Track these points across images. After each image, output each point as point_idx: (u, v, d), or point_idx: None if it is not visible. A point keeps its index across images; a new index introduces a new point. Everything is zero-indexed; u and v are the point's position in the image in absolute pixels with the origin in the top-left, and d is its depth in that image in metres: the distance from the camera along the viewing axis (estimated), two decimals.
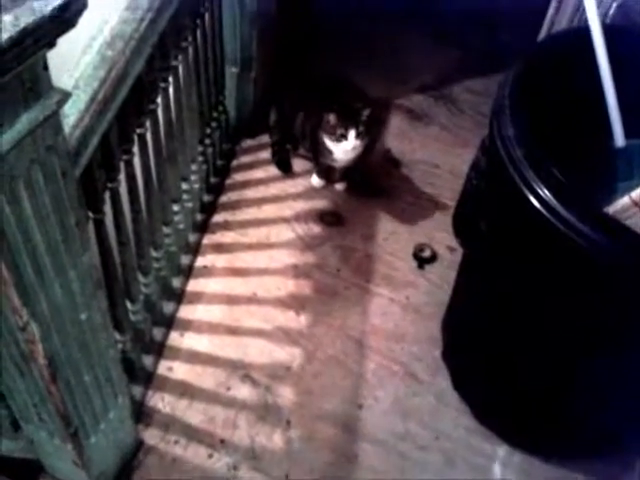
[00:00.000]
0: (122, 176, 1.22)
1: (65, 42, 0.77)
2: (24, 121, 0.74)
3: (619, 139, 1.33)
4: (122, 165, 1.19)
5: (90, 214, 1.08)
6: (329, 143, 1.76)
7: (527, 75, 1.18)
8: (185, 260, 1.71)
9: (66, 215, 0.87)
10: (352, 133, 1.71)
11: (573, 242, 1.00)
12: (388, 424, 1.48)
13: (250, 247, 1.80)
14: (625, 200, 1.12)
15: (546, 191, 1.03)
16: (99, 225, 1.13)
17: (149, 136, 1.31)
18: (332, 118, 1.71)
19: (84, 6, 0.74)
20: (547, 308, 1.19)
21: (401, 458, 1.43)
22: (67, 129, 0.92)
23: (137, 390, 1.44)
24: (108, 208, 1.18)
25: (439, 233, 1.85)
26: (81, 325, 1.00)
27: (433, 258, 1.81)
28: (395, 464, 1.42)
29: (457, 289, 1.55)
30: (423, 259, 1.80)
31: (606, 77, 1.27)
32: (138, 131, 1.24)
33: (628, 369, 1.22)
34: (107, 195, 1.16)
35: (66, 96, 0.81)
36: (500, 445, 1.47)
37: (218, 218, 1.84)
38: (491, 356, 1.41)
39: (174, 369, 1.52)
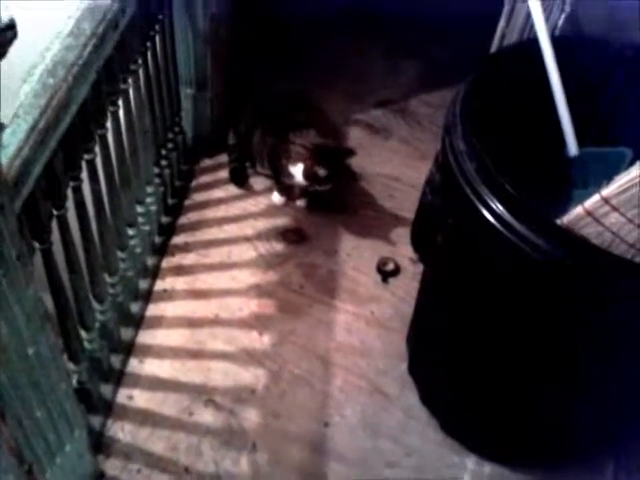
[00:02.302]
0: (71, 203, 1.19)
1: (5, 72, 0.76)
2: None
3: (572, 148, 1.35)
4: (70, 192, 1.16)
5: (36, 244, 1.05)
6: (292, 168, 1.75)
7: (478, 90, 1.19)
8: (143, 284, 1.67)
9: (6, 249, 0.84)
10: (322, 172, 1.71)
11: (528, 255, 1.01)
12: (357, 441, 1.47)
13: (211, 268, 1.77)
14: (579, 210, 1.13)
15: (499, 205, 1.04)
16: (47, 255, 1.10)
17: (99, 161, 1.29)
18: (308, 163, 1.71)
19: (13, 36, 0.72)
20: (506, 320, 1.19)
21: (371, 476, 1.42)
22: (6, 160, 0.89)
23: (96, 420, 1.41)
24: (57, 236, 1.15)
25: (402, 246, 1.85)
26: (29, 360, 0.97)
27: (397, 271, 1.81)
28: None
29: (419, 303, 1.54)
30: (387, 272, 1.80)
31: (557, 88, 1.29)
32: (86, 157, 1.21)
33: (591, 377, 1.22)
34: (55, 223, 1.13)
35: (0, 127, 0.78)
36: (469, 457, 1.47)
37: (177, 240, 1.82)
38: (455, 369, 1.41)
39: (134, 397, 1.48)
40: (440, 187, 1.17)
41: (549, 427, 1.36)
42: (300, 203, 1.93)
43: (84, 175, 1.22)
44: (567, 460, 1.49)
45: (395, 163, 2.08)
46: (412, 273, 1.78)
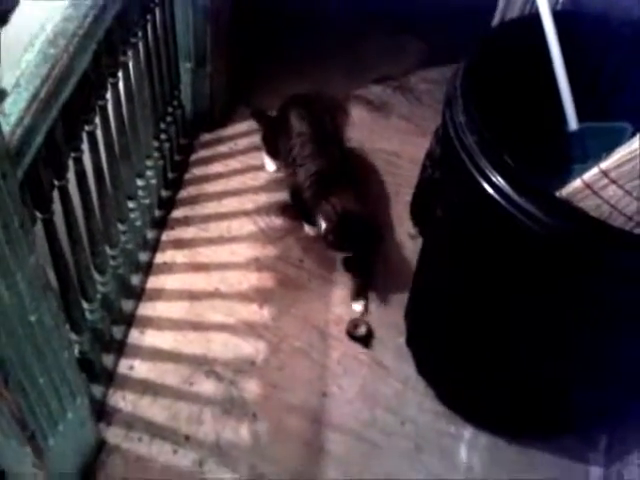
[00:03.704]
0: (72, 174, 1.19)
1: (5, 41, 0.76)
2: None
3: (572, 123, 1.35)
4: (71, 163, 1.16)
5: (38, 214, 1.06)
6: (318, 218, 1.66)
7: (479, 63, 1.19)
8: (144, 257, 1.68)
9: (9, 217, 0.85)
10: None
11: (527, 227, 1.01)
12: (354, 412, 1.49)
13: (211, 242, 1.78)
14: (577, 183, 1.14)
15: (498, 177, 1.04)
16: (48, 225, 1.11)
17: (99, 132, 1.29)
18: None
19: (15, 4, 0.72)
20: (504, 292, 1.20)
21: (368, 445, 1.44)
22: (8, 128, 0.90)
23: (98, 389, 1.42)
24: (58, 206, 1.16)
25: (400, 221, 1.86)
26: (31, 327, 0.98)
27: (368, 336, 1.65)
28: (363, 452, 1.43)
29: (418, 276, 1.56)
30: (357, 337, 1.64)
31: (557, 62, 1.29)
32: (87, 128, 1.21)
33: (588, 349, 1.24)
34: (56, 193, 1.14)
35: (2, 94, 0.78)
36: (466, 427, 1.49)
37: (177, 214, 1.82)
38: (453, 340, 1.43)
39: (135, 367, 1.50)
40: (440, 160, 1.18)
41: (545, 398, 1.38)
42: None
43: (85, 147, 1.22)
44: (562, 431, 1.52)
45: (395, 139, 2.07)
46: (410, 250, 1.79)
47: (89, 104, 1.20)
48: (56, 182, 1.11)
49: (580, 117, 1.34)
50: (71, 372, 1.15)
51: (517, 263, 1.13)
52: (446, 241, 1.30)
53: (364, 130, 2.09)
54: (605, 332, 1.16)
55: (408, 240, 1.82)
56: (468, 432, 1.49)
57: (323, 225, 1.59)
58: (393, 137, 2.08)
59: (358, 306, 1.67)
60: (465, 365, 1.44)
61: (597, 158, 1.15)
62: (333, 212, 1.59)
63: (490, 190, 1.04)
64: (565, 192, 1.14)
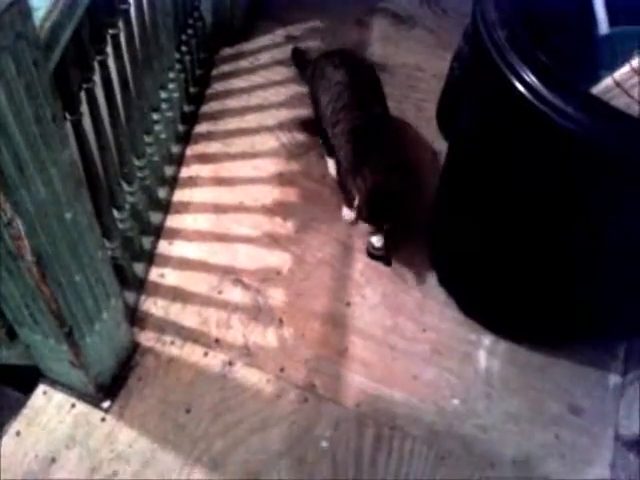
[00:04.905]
0: (98, 80, 1.20)
1: None
2: None
3: (603, 26, 1.31)
4: (96, 66, 1.16)
5: (67, 115, 1.07)
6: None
7: None
8: (169, 171, 1.70)
9: (42, 109, 0.86)
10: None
11: (558, 124, 0.99)
12: (376, 319, 1.53)
13: (234, 157, 1.79)
14: (608, 81, 1.12)
15: (529, 74, 1.02)
16: (77, 127, 1.12)
17: (123, 38, 1.28)
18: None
19: None
20: (530, 194, 1.19)
21: (389, 349, 1.49)
22: (37, 22, 0.90)
23: (130, 296, 1.47)
24: (85, 114, 1.17)
25: (423, 138, 1.84)
26: (67, 224, 1.01)
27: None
28: (384, 354, 1.48)
29: (441, 187, 1.56)
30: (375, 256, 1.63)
31: None
32: (111, 31, 1.21)
33: (611, 255, 1.24)
34: (83, 97, 1.15)
35: None
36: (485, 335, 1.53)
37: (200, 129, 1.83)
38: (475, 249, 1.44)
39: (165, 275, 1.55)
40: (469, 60, 1.16)
41: (565, 306, 1.40)
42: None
43: (109, 50, 1.22)
44: (580, 341, 1.54)
45: (419, 53, 2.03)
46: (430, 167, 1.78)
47: (113, 6, 1.19)
48: (83, 84, 1.12)
49: (611, 22, 1.30)
50: (105, 273, 1.19)
51: (545, 163, 1.11)
52: (473, 144, 1.29)
53: (388, 44, 2.05)
54: (632, 236, 1.16)
55: (431, 155, 1.81)
56: (488, 339, 1.53)
57: (356, 200, 1.52)
58: (417, 50, 2.04)
59: (377, 241, 1.57)
60: (485, 274, 1.46)
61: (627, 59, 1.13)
62: (363, 185, 1.49)
63: (521, 88, 1.02)
64: (595, 90, 1.12)
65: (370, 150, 1.55)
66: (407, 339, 1.51)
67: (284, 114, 1.89)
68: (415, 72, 1.99)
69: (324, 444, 1.35)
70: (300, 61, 1.94)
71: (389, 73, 1.99)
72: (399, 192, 1.52)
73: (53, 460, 1.30)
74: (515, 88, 1.02)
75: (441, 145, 1.79)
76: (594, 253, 1.24)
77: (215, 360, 1.43)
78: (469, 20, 1.18)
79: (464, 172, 1.36)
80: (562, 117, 0.99)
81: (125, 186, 1.43)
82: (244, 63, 1.96)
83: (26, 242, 0.93)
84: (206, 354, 1.44)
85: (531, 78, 1.01)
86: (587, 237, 1.21)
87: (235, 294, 1.54)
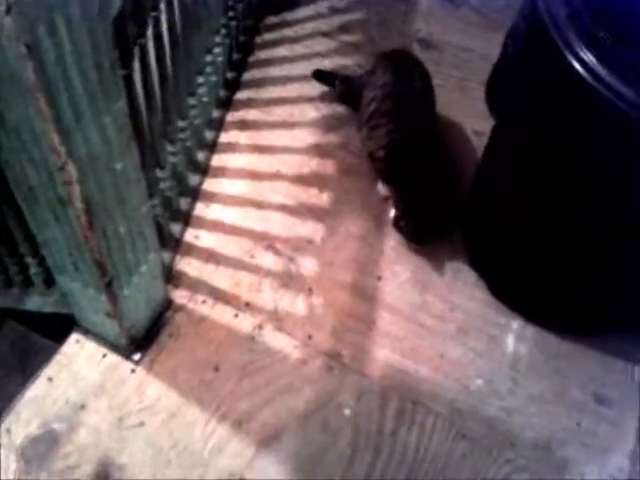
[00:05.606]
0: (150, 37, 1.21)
1: None
2: None
3: None
4: (150, 22, 1.18)
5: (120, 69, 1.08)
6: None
7: None
8: (209, 135, 1.72)
9: (102, 56, 0.88)
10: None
11: (616, 108, 0.98)
12: (405, 295, 1.54)
13: (273, 125, 1.80)
14: None
15: (588, 54, 1.01)
16: (129, 82, 1.14)
17: None
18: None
19: None
20: (576, 179, 1.18)
21: (417, 325, 1.49)
22: None
23: (166, 255, 1.50)
24: (136, 71, 1.18)
25: (465, 118, 1.83)
26: (116, 175, 1.03)
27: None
28: (411, 330, 1.48)
29: (482, 168, 1.55)
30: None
31: None
32: None
33: None
34: (136, 53, 1.16)
35: None
36: (515, 319, 1.52)
37: (241, 95, 1.84)
38: (509, 232, 1.44)
39: (200, 237, 1.57)
40: (525, 37, 1.14)
41: (597, 294, 1.40)
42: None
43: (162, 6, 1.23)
44: (610, 330, 1.53)
45: (466, 33, 2.01)
46: (472, 148, 1.77)
47: None
48: (138, 40, 1.13)
49: None
50: (147, 227, 1.21)
51: (600, 146, 1.09)
52: (522, 124, 1.27)
53: (434, 21, 2.02)
54: None
55: (473, 136, 1.79)
56: (516, 323, 1.52)
57: (392, 213, 1.55)
58: (464, 30, 2.01)
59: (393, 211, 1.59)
60: (519, 258, 1.45)
61: None
62: (385, 139, 1.53)
63: (579, 68, 1.01)
64: None
65: (413, 164, 1.56)
66: (435, 317, 1.51)
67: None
68: (461, 52, 1.97)
69: (347, 412, 1.37)
70: (323, 78, 1.87)
71: (434, 51, 1.97)
72: (418, 145, 1.54)
73: (82, 407, 1.33)
74: (573, 68, 1.01)
75: (484, 126, 1.77)
76: (631, 242, 1.23)
77: (245, 322, 1.45)
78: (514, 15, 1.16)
79: (508, 152, 1.35)
80: (621, 100, 0.98)
81: (168, 146, 1.45)
82: (288, 32, 1.96)
83: (77, 188, 0.95)
84: (236, 315, 1.46)
85: (590, 58, 1.00)
86: (632, 225, 1.19)
87: (267, 260, 1.55)
